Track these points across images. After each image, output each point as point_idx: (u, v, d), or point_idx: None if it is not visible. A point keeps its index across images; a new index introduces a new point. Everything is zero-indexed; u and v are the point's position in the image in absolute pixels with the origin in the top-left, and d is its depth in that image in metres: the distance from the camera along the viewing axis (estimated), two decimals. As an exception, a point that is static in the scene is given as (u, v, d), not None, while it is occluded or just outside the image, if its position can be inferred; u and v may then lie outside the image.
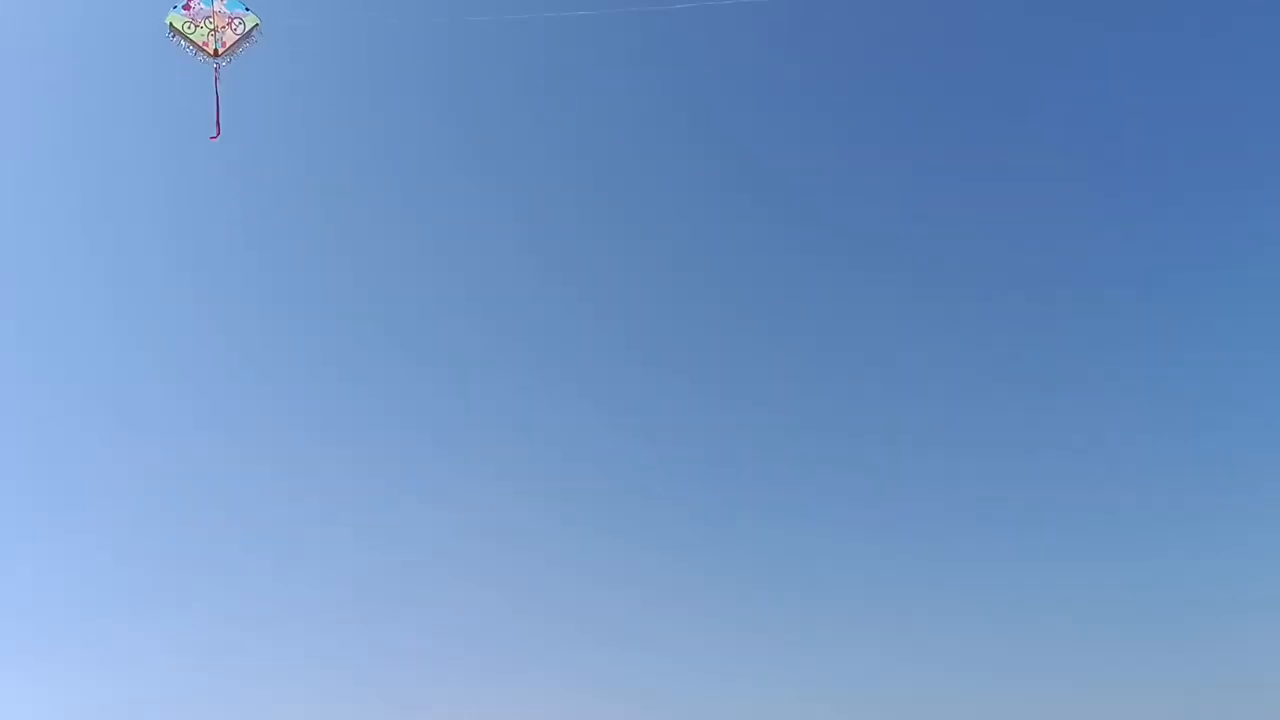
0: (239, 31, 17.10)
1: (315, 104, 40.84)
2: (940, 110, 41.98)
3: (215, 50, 17.02)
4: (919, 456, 39.05)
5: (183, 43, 16.72)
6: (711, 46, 41.53)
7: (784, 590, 36.96)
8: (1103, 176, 41.08)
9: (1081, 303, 40.83)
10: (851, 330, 42.24)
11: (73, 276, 41.64)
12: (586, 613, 36.87)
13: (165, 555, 37.72)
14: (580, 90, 42.60)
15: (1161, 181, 40.72)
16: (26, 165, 41.07)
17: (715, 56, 41.72)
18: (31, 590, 36.62)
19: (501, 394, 41.41)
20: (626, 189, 44.32)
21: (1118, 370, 40.10)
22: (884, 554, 36.85)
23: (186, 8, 16.90)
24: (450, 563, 38.37)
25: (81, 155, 40.87)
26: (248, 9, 17.12)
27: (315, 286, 43.05)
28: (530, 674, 35.92)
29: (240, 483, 39.40)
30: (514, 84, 42.04)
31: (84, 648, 35.07)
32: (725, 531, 37.98)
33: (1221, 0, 36.89)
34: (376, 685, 35.22)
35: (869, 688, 34.16)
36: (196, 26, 16.99)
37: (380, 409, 41.10)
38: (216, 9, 17.27)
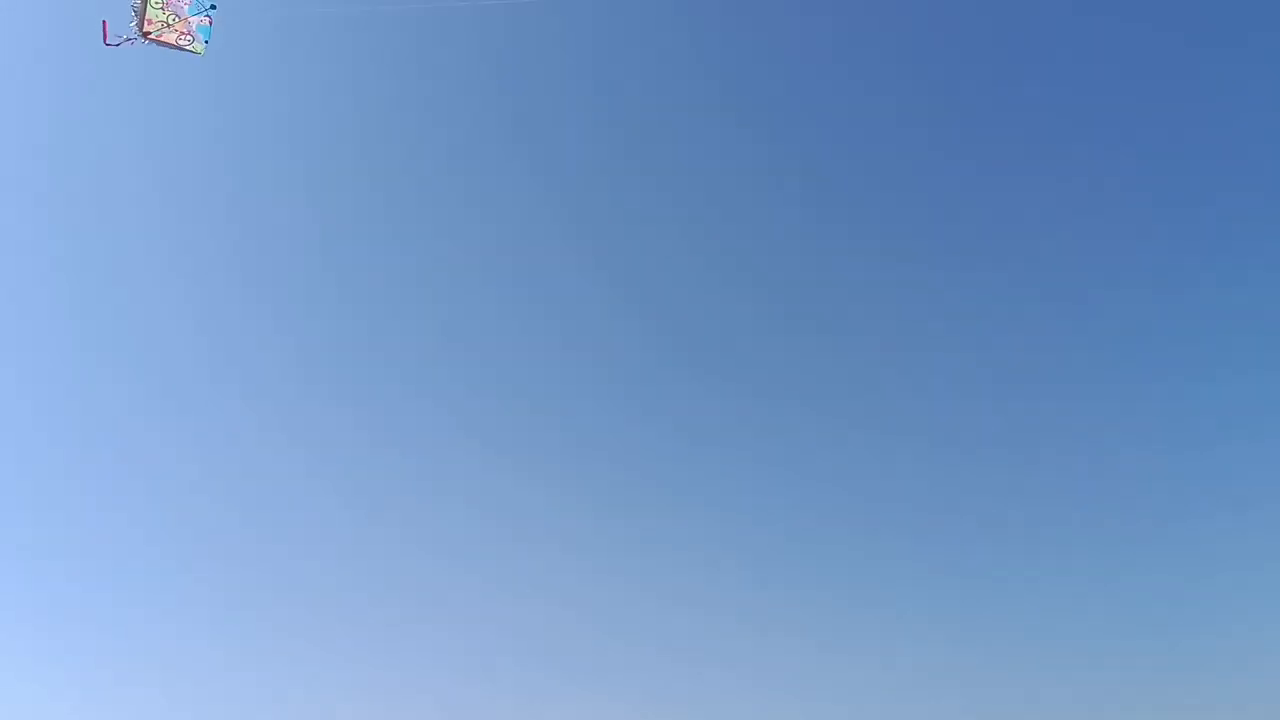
0: (177, 43, 19.22)
1: (336, 105, 40.76)
2: (990, 119, 42.33)
3: (149, 35, 18.90)
4: (961, 460, 39.42)
5: (143, 5, 18.70)
6: (763, 46, 41.70)
7: (825, 592, 37.07)
8: (1148, 183, 41.51)
9: (1115, 307, 41.14)
10: (897, 334, 42.68)
11: (214, 280, 41.74)
12: (629, 618, 36.93)
13: (204, 552, 37.85)
14: (628, 86, 42.74)
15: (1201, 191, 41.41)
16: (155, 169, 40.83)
17: (765, 55, 41.87)
18: (38, 588, 36.62)
19: (548, 396, 41.49)
20: (671, 186, 44.42)
21: (1143, 379, 40.50)
22: (920, 555, 37.03)
23: None
24: (493, 567, 38.38)
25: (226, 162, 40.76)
26: (207, 42, 19.25)
27: (366, 292, 43.09)
28: (569, 677, 35.90)
29: (285, 482, 39.69)
30: (556, 76, 42.21)
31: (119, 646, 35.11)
32: (770, 537, 38.10)
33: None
34: (424, 685, 35.04)
35: (896, 690, 34.36)
36: (164, 8, 18.88)
37: (429, 413, 41.37)
38: (186, 16, 19.09)
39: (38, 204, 45.17)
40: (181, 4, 19.11)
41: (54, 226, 44.84)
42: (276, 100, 43.75)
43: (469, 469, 43.37)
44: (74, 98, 43.92)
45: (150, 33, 19.09)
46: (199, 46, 19.33)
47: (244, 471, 42.77)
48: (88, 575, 40.04)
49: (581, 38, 42.24)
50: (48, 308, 44.33)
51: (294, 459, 42.84)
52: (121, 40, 18.86)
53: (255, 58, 41.86)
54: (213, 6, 19.40)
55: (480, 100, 44.25)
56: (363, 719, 36.97)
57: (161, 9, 19.02)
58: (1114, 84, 42.63)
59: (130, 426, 43.10)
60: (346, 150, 42.66)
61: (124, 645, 37.94)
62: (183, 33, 19.32)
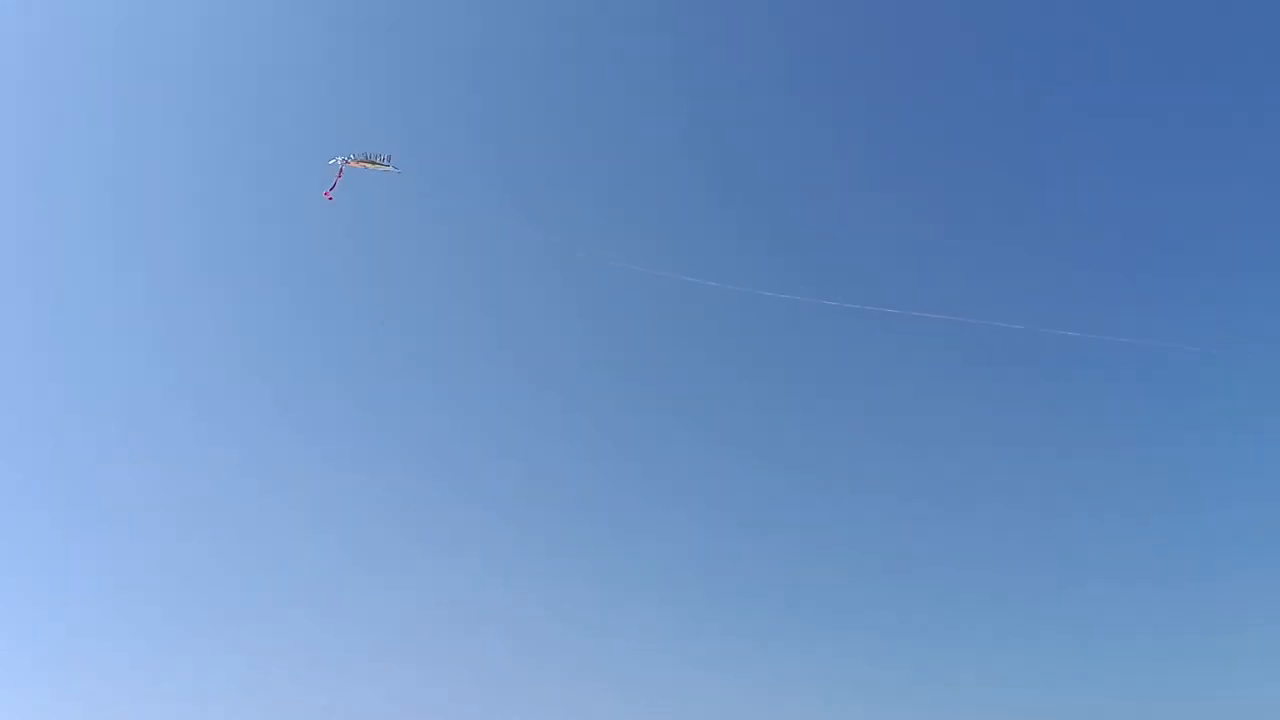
0: (372, 163, 25.15)
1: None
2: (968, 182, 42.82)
3: (354, 163, 25.09)
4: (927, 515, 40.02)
5: (364, 161, 25.00)
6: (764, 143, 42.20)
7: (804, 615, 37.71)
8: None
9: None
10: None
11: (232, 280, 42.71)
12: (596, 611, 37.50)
13: (171, 567, 38.56)
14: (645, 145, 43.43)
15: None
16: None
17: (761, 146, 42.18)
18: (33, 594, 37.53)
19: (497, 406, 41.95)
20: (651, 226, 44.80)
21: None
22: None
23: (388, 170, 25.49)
24: (464, 554, 38.96)
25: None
26: (387, 169, 25.52)
27: (340, 306, 43.90)
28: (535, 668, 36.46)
29: (241, 496, 40.47)
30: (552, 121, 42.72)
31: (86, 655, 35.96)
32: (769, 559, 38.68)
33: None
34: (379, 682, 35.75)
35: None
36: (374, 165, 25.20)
37: (387, 434, 42.06)
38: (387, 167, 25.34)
39: (46, 200, 46.10)
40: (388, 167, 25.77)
41: (63, 223, 45.85)
42: (293, 103, 44.49)
43: (468, 471, 44.03)
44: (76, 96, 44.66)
45: (354, 162, 25.06)
46: (390, 168, 25.81)
47: (252, 472, 43.59)
48: (86, 572, 40.82)
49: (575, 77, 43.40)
50: (57, 305, 45.12)
51: (302, 461, 43.60)
52: (336, 180, 25.12)
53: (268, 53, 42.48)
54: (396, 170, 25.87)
55: (485, 115, 45.11)
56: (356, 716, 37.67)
57: (371, 166, 25.62)
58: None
59: (147, 423, 43.85)
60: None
61: (126, 643, 38.62)
62: (378, 164, 25.51)
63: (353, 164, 24.86)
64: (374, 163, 25.07)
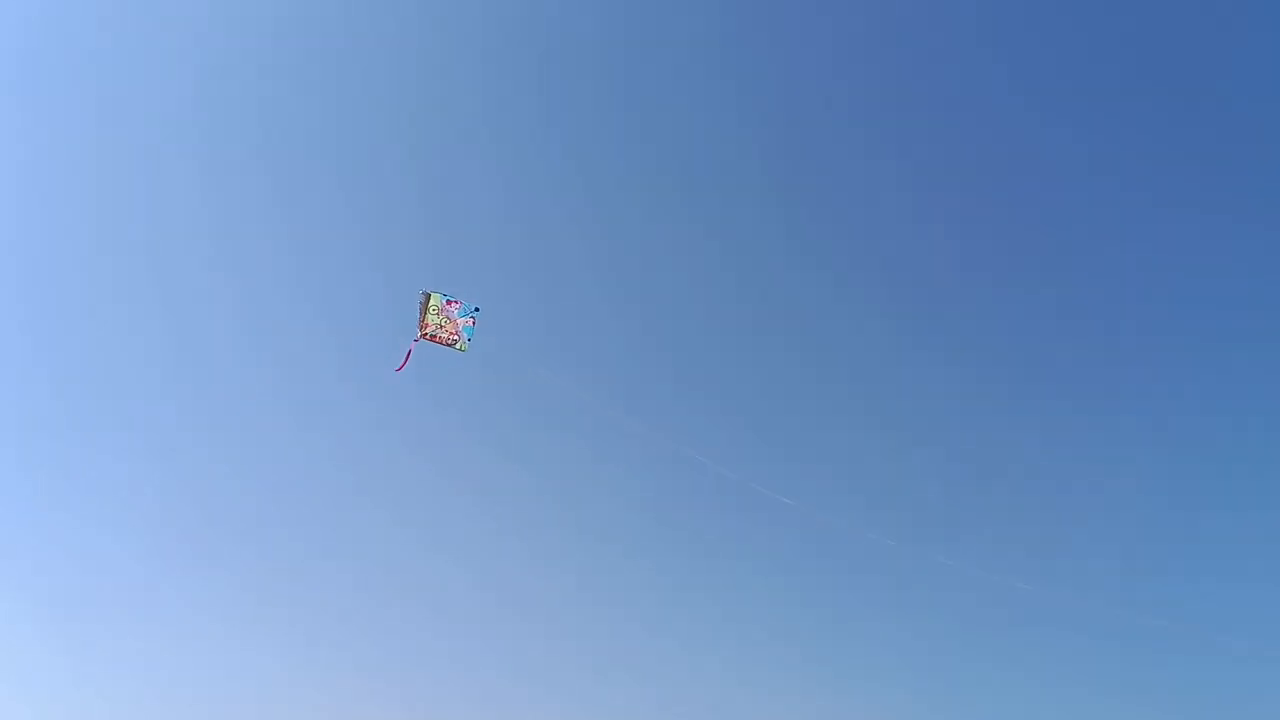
0: (447, 341, 22.16)
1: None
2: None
3: (427, 334, 22.13)
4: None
5: (424, 308, 22.09)
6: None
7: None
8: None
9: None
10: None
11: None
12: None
13: (208, 548, 37.85)
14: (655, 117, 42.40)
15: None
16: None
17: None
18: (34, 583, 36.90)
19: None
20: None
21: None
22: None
23: (449, 303, 22.14)
24: (496, 568, 38.15)
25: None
26: (470, 340, 22.20)
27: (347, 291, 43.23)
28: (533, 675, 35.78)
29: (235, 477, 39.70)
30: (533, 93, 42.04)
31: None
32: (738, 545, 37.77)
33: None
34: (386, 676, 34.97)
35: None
36: (439, 314, 22.10)
37: (440, 410, 41.18)
38: (456, 319, 22.20)
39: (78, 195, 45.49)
40: (453, 309, 22.19)
41: (96, 214, 45.25)
42: (306, 91, 43.75)
43: (480, 469, 43.52)
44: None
45: (428, 333, 22.03)
46: (464, 345, 22.25)
47: (257, 458, 42.78)
48: (89, 567, 40.28)
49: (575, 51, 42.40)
50: (80, 297, 44.62)
51: (308, 451, 42.89)
52: (410, 352, 22.19)
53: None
54: (476, 309, 22.29)
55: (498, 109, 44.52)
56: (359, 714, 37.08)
57: (438, 314, 22.22)
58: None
59: (145, 413, 43.23)
60: (371, 150, 43.26)
61: (125, 635, 38.13)
62: (452, 333, 22.29)
63: (426, 335, 22.36)
64: (445, 329, 22.44)
